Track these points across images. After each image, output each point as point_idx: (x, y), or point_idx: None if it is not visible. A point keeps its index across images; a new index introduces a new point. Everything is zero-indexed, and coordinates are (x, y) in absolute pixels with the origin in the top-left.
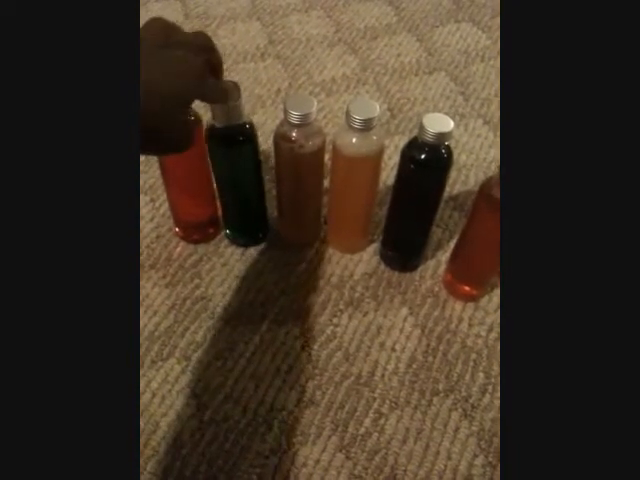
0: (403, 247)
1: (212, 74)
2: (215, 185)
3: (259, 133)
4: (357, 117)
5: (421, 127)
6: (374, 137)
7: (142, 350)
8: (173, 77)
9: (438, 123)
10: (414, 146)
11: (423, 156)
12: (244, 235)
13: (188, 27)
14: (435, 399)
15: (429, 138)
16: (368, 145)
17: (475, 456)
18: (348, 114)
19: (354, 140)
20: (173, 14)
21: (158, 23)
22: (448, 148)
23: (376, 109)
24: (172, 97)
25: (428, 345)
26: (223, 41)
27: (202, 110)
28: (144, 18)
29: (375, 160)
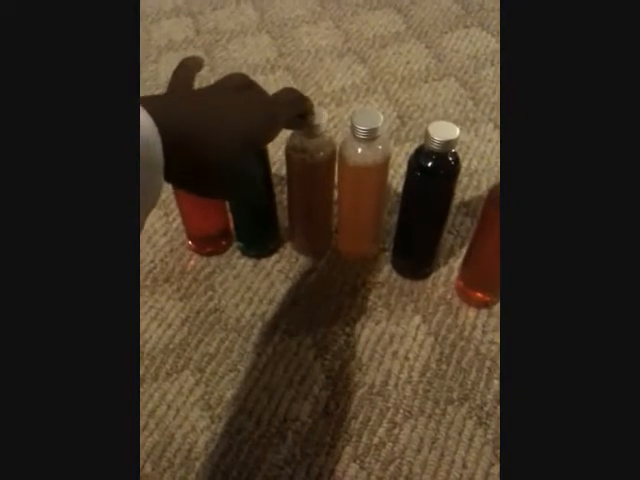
0: (414, 255)
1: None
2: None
3: (270, 144)
4: (361, 127)
5: (427, 135)
6: (379, 147)
7: (157, 363)
8: (248, 124)
9: (444, 131)
10: (421, 154)
11: (430, 164)
12: (256, 246)
13: (200, 42)
14: (449, 408)
15: (435, 146)
16: (373, 155)
17: (491, 465)
18: (352, 124)
19: (359, 150)
20: (185, 30)
21: (240, 76)
22: (455, 155)
23: (380, 119)
24: (249, 141)
25: (441, 353)
26: (234, 55)
27: None
28: (156, 35)
29: (381, 169)
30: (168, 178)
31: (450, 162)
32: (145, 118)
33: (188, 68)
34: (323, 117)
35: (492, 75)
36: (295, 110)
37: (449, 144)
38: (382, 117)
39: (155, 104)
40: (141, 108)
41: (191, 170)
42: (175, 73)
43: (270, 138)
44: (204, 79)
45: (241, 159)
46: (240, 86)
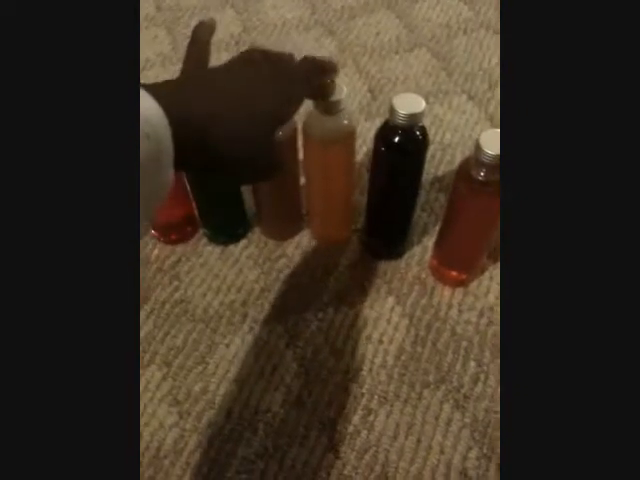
0: (386, 234)
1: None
2: (188, 185)
3: None
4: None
5: (391, 109)
6: (344, 121)
7: None
8: (272, 100)
9: (409, 103)
10: (386, 129)
11: (396, 139)
12: (223, 233)
13: (161, 20)
14: (425, 391)
15: (400, 120)
16: (338, 129)
17: (469, 448)
18: None
19: (323, 124)
20: (144, 7)
21: (255, 50)
22: (422, 129)
23: (343, 91)
24: (269, 119)
25: (417, 335)
26: None
27: None
28: None
29: (346, 144)
30: (185, 166)
31: (417, 137)
32: (156, 110)
33: (201, 39)
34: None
35: (464, 44)
36: (314, 79)
37: (415, 117)
38: (345, 89)
39: (166, 92)
40: (150, 97)
41: (209, 159)
42: (189, 48)
43: (289, 115)
44: (166, 58)
45: (261, 141)
46: (255, 60)
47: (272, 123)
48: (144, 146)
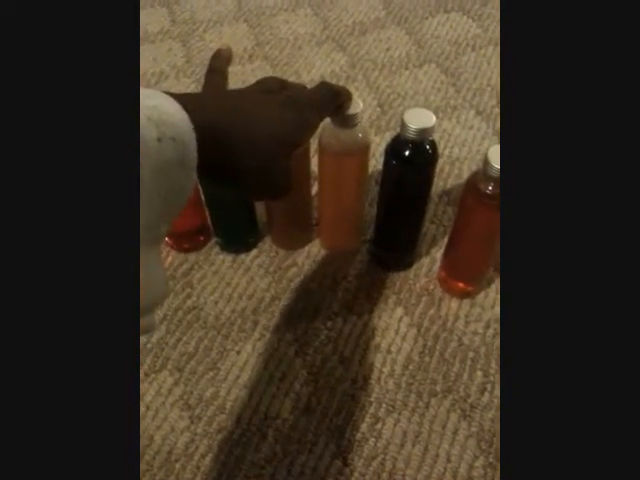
0: (395, 245)
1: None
2: (202, 195)
3: None
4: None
5: (402, 124)
6: (359, 134)
7: None
8: (290, 124)
9: (420, 118)
10: (397, 143)
11: (407, 153)
12: (235, 241)
13: (176, 33)
14: (433, 400)
15: (411, 134)
16: (353, 142)
17: (475, 457)
18: None
19: (338, 137)
20: (160, 21)
21: (273, 79)
22: (432, 143)
23: (359, 105)
24: (285, 141)
25: (424, 345)
26: (210, 45)
27: None
28: None
29: (361, 157)
30: (203, 173)
31: (427, 150)
32: (181, 115)
33: (218, 68)
34: None
35: (473, 60)
36: (329, 107)
37: (426, 132)
38: (361, 104)
39: (191, 102)
40: (175, 102)
41: (225, 170)
42: (208, 71)
43: (304, 139)
44: (180, 70)
45: (276, 161)
46: (272, 89)
47: (287, 146)
48: (169, 149)
